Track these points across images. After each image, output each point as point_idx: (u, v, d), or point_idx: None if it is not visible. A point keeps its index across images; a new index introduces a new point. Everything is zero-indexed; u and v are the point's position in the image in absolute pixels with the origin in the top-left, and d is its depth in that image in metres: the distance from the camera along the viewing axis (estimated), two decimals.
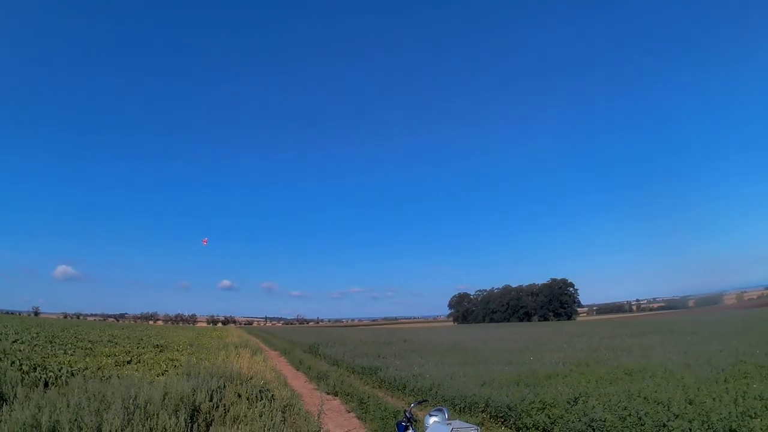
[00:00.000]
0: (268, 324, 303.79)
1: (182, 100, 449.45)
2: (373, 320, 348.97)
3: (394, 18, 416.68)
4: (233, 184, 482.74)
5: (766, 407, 10.06)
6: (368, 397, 17.39)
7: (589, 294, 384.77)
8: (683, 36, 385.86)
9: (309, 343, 46.90)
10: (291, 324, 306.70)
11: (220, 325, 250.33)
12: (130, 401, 10.66)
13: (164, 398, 11.36)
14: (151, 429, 9.71)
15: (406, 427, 7.06)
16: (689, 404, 11.13)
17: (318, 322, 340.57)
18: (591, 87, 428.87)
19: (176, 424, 9.96)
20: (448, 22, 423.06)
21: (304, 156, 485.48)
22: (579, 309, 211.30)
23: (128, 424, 9.64)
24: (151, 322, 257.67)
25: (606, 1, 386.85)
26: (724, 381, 14.60)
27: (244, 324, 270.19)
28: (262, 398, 13.44)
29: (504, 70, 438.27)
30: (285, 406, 13.34)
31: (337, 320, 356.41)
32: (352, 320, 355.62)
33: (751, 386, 12.85)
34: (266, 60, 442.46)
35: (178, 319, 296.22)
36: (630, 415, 10.79)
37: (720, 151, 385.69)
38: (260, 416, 11.16)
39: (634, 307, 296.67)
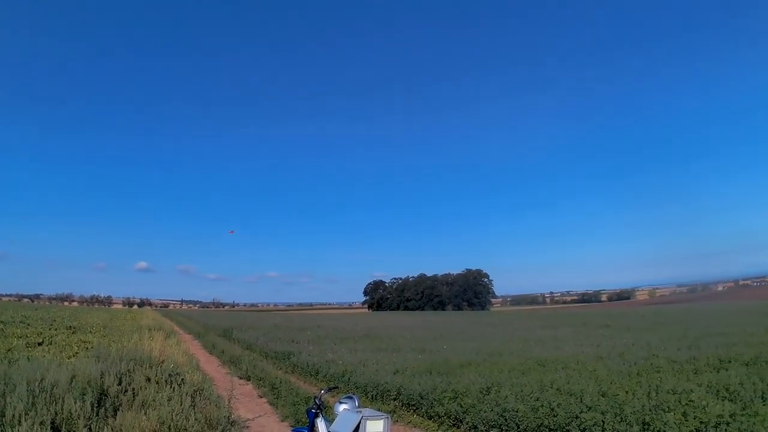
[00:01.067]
0: (184, 307, 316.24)
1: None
2: (289, 305, 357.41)
3: None
4: (149, 163, 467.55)
5: (679, 401, 10.58)
6: (280, 382, 18.17)
7: (503, 285, 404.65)
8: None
9: (223, 327, 48.48)
10: (207, 307, 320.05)
11: (135, 307, 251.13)
12: (36, 384, 10.68)
13: (72, 381, 11.43)
14: (56, 413, 9.68)
15: (316, 414, 7.25)
16: (602, 396, 11.58)
17: (234, 306, 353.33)
18: (506, 83, 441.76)
19: (82, 408, 10.00)
20: None
21: (220, 138, 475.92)
22: (493, 299, 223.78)
23: (32, 407, 9.61)
24: (66, 303, 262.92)
25: None
26: (637, 374, 15.39)
27: (160, 307, 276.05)
28: (172, 382, 13.58)
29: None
30: (195, 391, 13.62)
31: (252, 305, 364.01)
32: (268, 305, 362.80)
33: (664, 380, 13.56)
34: None
35: (93, 301, 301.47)
36: (542, 405, 11.08)
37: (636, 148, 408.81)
38: (169, 401, 11.30)
39: (548, 300, 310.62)
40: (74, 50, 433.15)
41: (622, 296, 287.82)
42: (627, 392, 11.81)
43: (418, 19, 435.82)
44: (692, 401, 10.40)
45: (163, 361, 17.29)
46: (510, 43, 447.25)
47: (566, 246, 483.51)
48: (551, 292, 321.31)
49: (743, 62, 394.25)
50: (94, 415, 10.19)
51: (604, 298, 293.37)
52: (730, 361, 16.22)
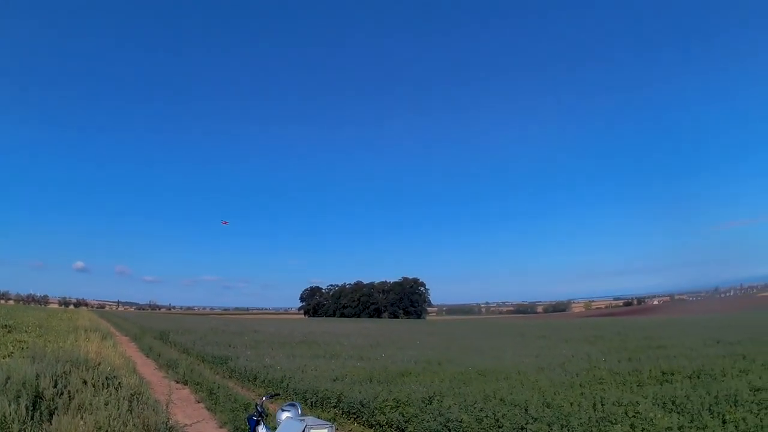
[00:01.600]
0: (121, 308, 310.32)
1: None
2: (225, 309, 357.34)
3: None
4: (84, 159, 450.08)
5: (626, 413, 10.77)
6: (218, 387, 18.20)
7: (439, 294, 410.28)
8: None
9: (160, 330, 48.46)
10: (143, 309, 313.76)
11: (72, 307, 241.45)
12: None
13: (6, 382, 11.42)
14: None
15: (257, 422, 7.11)
16: (547, 407, 11.69)
17: (170, 309, 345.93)
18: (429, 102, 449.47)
19: (16, 412, 9.90)
20: None
21: (159, 136, 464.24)
22: (429, 308, 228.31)
23: None
24: (1, 302, 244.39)
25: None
26: (580, 386, 15.71)
27: (97, 308, 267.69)
28: (108, 386, 13.58)
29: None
30: (133, 395, 13.29)
31: (189, 308, 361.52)
32: (204, 308, 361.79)
33: (608, 392, 13.83)
34: None
35: (29, 300, 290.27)
36: (487, 416, 11.14)
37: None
38: (106, 405, 11.23)
39: (484, 310, 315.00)
40: None
41: (558, 308, 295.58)
42: (572, 404, 11.98)
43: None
44: (639, 413, 10.62)
45: (99, 364, 17.21)
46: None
47: (502, 256, 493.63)
48: (487, 303, 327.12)
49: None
50: (29, 418, 10.05)
51: (539, 309, 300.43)
52: (672, 374, 16.75)
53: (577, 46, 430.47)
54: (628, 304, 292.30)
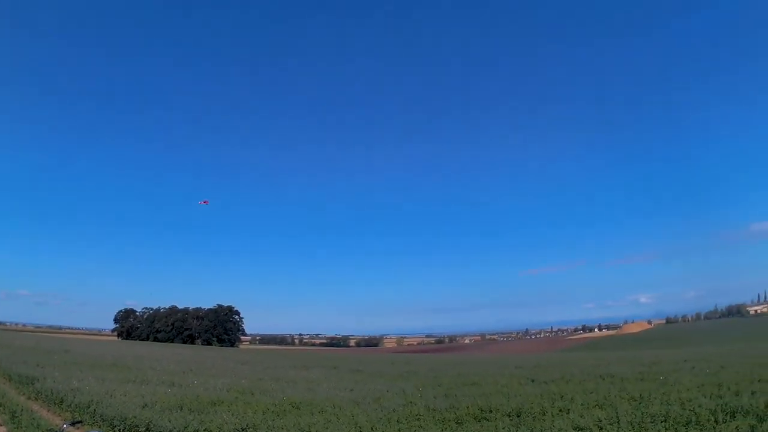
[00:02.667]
0: None
1: None
2: (38, 327, 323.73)
3: None
4: None
5: None
6: (22, 410, 17.42)
7: (254, 323, 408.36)
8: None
9: None
10: None
11: None
12: None
13: None
14: None
15: None
16: None
17: None
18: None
19: None
20: None
21: None
22: (243, 337, 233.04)
23: None
24: None
25: None
26: (397, 422, 15.82)
27: None
28: None
29: None
30: None
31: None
32: (17, 324, 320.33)
33: (426, 428, 14.18)
34: None
35: None
36: None
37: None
38: None
39: (297, 341, 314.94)
40: None
41: (371, 342, 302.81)
42: None
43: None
44: None
45: None
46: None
47: (317, 289, 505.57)
48: (300, 334, 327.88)
49: None
50: None
51: (352, 343, 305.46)
52: (491, 411, 17.38)
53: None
54: (439, 341, 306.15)
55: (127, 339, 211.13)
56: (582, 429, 13.79)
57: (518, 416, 16.23)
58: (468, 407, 18.10)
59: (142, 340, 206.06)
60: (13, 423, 15.70)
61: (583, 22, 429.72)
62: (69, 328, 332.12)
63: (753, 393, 17.05)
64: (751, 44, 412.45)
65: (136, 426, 14.35)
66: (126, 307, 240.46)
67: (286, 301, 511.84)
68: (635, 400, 17.78)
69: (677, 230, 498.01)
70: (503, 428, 13.72)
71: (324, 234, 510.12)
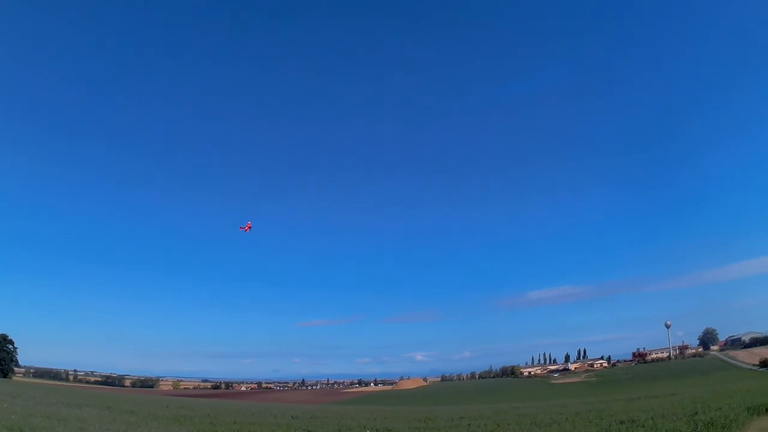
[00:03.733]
0: None
1: None
2: None
3: None
4: None
5: None
6: None
7: (30, 355, 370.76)
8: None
9: None
10: None
11: None
12: None
13: None
14: None
15: None
16: None
17: None
18: None
19: None
20: None
21: None
22: (17, 368, 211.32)
23: None
24: None
25: None
26: None
27: None
28: None
29: None
30: None
31: None
32: None
33: None
34: None
35: None
36: None
37: None
38: None
39: (71, 377, 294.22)
40: None
41: (147, 384, 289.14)
42: None
43: None
44: None
45: None
46: None
47: (94, 324, 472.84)
48: (75, 370, 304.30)
49: None
50: None
51: (127, 383, 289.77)
52: None
53: None
54: (216, 387, 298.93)
55: None
56: None
57: None
58: None
59: None
60: None
61: None
62: None
63: None
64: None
65: None
66: None
67: (64, 334, 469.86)
68: None
69: (457, 293, 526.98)
70: None
71: (106, 266, 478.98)
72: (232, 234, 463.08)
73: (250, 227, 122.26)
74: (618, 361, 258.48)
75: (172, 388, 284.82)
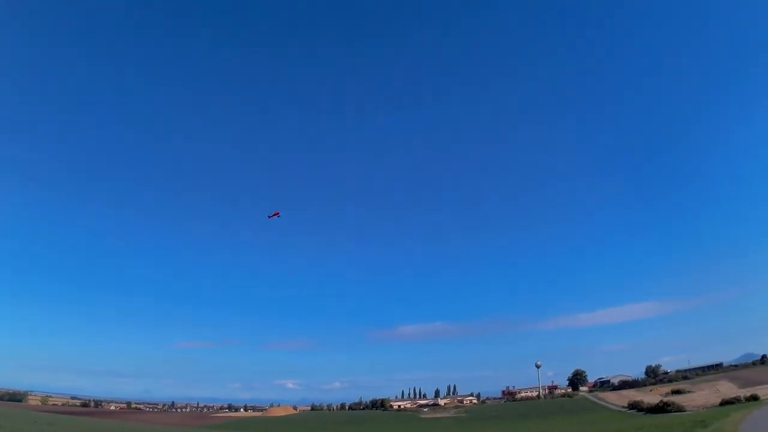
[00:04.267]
0: None
1: None
2: None
3: None
4: None
5: None
6: None
7: None
8: None
9: None
10: None
11: None
12: None
13: None
14: None
15: None
16: None
17: None
18: None
19: None
20: None
21: None
22: None
23: None
24: None
25: None
26: None
27: None
28: None
29: None
30: None
31: None
32: None
33: None
34: None
35: None
36: None
37: None
38: None
39: None
40: None
41: (14, 397, 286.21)
42: None
43: None
44: None
45: None
46: None
47: None
48: None
49: None
50: None
51: None
52: None
53: None
54: (85, 404, 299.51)
55: None
56: None
57: None
58: None
59: None
60: None
61: None
62: None
63: None
64: None
65: None
66: None
67: None
68: None
69: (329, 324, 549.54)
70: None
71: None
72: (109, 246, 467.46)
73: (278, 215, 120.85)
74: (488, 398, 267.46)
75: (40, 403, 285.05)
